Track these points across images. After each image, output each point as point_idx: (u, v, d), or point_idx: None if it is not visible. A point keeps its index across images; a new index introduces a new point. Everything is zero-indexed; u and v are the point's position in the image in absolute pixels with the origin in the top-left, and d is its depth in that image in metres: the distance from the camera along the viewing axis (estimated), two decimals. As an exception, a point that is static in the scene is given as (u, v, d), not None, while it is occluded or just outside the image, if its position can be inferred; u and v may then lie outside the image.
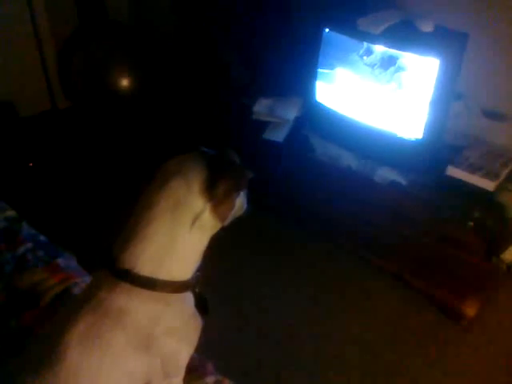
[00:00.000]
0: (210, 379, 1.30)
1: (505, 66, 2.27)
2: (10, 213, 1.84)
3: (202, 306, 1.08)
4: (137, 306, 0.97)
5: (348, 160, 2.35)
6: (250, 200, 1.13)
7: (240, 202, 1.09)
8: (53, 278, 1.54)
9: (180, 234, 0.99)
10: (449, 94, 2.07)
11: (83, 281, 1.55)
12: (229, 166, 1.02)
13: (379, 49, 2.09)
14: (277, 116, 2.50)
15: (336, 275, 2.47)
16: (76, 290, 1.50)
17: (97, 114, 3.55)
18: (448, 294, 2.23)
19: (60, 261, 1.63)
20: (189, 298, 1.05)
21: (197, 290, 1.07)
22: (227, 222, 1.05)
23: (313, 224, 2.59)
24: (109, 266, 0.99)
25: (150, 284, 0.97)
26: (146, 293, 0.97)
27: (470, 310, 2.20)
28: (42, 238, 1.74)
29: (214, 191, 0.99)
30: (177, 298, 1.01)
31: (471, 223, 2.04)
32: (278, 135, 2.47)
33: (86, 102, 3.55)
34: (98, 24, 3.56)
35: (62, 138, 3.40)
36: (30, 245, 1.68)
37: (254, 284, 2.39)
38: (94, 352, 0.95)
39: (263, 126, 2.53)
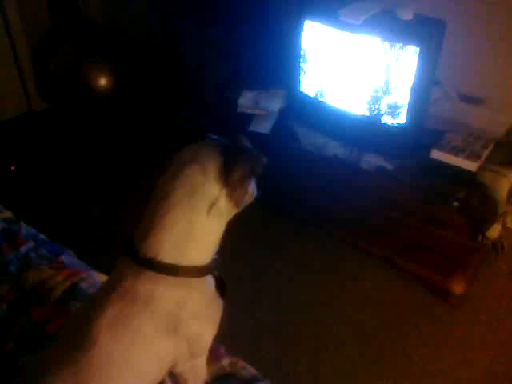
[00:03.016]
0: (226, 361, 1.35)
1: (480, 52, 2.37)
2: (7, 214, 1.84)
3: (221, 288, 1.11)
4: (162, 292, 1.00)
5: (334, 148, 2.41)
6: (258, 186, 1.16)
7: (251, 189, 1.12)
8: (59, 275, 1.55)
9: (198, 221, 1.02)
10: (429, 81, 2.15)
11: (90, 275, 1.57)
12: (243, 152, 1.05)
13: (361, 38, 2.15)
14: (262, 108, 2.54)
15: (327, 261, 2.53)
16: (84, 285, 1.53)
17: (75, 114, 3.53)
18: (436, 274, 2.32)
19: (64, 257, 1.65)
20: (209, 281, 1.09)
21: (216, 274, 1.11)
22: (241, 207, 1.08)
23: (301, 213, 2.64)
24: (132, 255, 1.02)
25: (173, 270, 1.00)
26: (169, 279, 1.00)
27: (458, 287, 2.28)
28: (42, 236, 1.75)
29: (230, 177, 1.01)
30: (199, 282, 1.05)
31: (456, 203, 2.12)
32: (264, 127, 2.51)
33: (63, 102, 3.53)
34: (72, 24, 3.53)
35: (42, 140, 3.38)
36: (31, 244, 1.69)
37: (246, 273, 2.42)
38: (125, 337, 0.98)
39: (249, 118, 2.57)
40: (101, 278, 1.58)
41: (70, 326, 1.06)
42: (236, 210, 1.07)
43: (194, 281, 1.03)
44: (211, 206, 1.01)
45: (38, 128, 3.51)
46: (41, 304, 1.46)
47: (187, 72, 3.06)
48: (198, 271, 1.04)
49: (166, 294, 1.00)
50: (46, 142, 3.36)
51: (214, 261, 1.09)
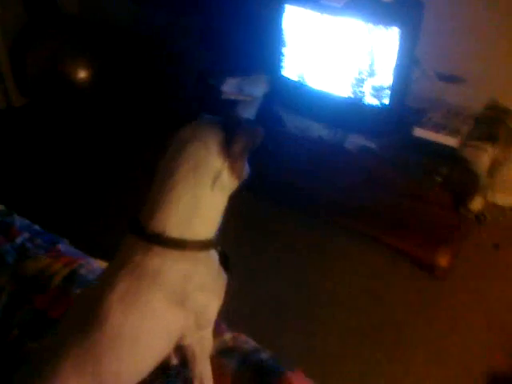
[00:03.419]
0: (228, 336, 1.39)
1: (456, 32, 2.44)
2: (-1, 207, 1.85)
3: (224, 263, 1.15)
4: (170, 266, 1.03)
5: (319, 130, 2.45)
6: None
7: (246, 165, 1.16)
8: (58, 263, 1.58)
9: (203, 195, 1.05)
10: (410, 61, 2.20)
11: (88, 262, 1.59)
12: (242, 125, 1.09)
13: (342, 21, 2.19)
14: (246, 94, 2.57)
15: (315, 242, 2.58)
16: (83, 271, 1.55)
17: (56, 109, 3.52)
18: (421, 249, 2.39)
19: (60, 246, 1.66)
20: (214, 255, 1.12)
21: (219, 248, 1.14)
22: (241, 180, 1.11)
23: (289, 196, 2.68)
24: (139, 232, 1.05)
25: (180, 245, 1.04)
26: (177, 253, 1.04)
27: (443, 260, 2.36)
28: (36, 227, 1.77)
29: (232, 150, 1.05)
30: (205, 256, 1.08)
31: (439, 179, 2.19)
32: (249, 112, 2.54)
33: (43, 97, 3.51)
34: (48, 18, 3.50)
35: (23, 135, 3.36)
36: (26, 234, 1.70)
37: (236, 256, 2.44)
38: (135, 310, 1.01)
39: (233, 104, 2.59)
40: (99, 264, 1.61)
41: (79, 304, 1.09)
42: (237, 182, 1.10)
43: (200, 255, 1.07)
44: (215, 180, 1.04)
45: (18, 123, 3.48)
46: (42, 292, 1.48)
47: (169, 61, 3.06)
48: (204, 245, 1.07)
49: (173, 267, 1.03)
50: (28, 137, 3.34)
51: (217, 236, 1.12)
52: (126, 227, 1.09)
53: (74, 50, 3.43)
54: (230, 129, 1.06)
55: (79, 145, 3.27)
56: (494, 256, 2.50)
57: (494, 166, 2.31)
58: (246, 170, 1.15)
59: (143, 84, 3.39)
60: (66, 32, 3.44)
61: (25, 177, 2.99)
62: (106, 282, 1.04)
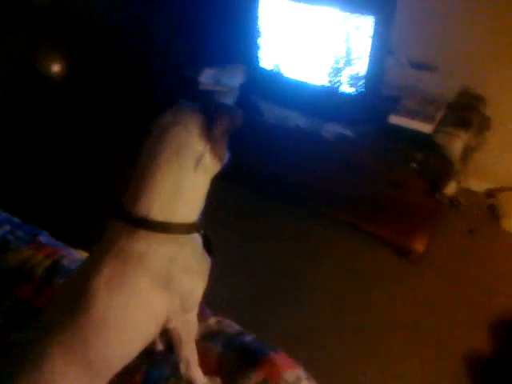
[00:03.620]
0: (212, 320, 1.41)
1: (428, 21, 2.49)
2: (-23, 200, 1.83)
3: (207, 246, 1.17)
4: (155, 249, 1.04)
5: (296, 120, 2.47)
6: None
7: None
8: (39, 254, 1.57)
9: (186, 178, 1.06)
10: (385, 49, 2.23)
11: (69, 253, 1.60)
12: (221, 108, 1.10)
13: (317, 10, 2.21)
14: (223, 84, 2.57)
15: (296, 231, 2.61)
16: (65, 262, 1.55)
17: (30, 103, 3.47)
18: (398, 234, 2.45)
19: (41, 238, 1.66)
20: (198, 239, 1.14)
21: (202, 232, 1.16)
22: (223, 162, 1.13)
23: (269, 186, 2.71)
24: (124, 216, 1.06)
25: (165, 228, 1.05)
26: (162, 236, 1.05)
27: (419, 245, 2.42)
28: (16, 219, 1.76)
29: (212, 132, 1.07)
30: (189, 239, 1.10)
31: (415, 165, 2.23)
32: (227, 103, 2.55)
33: (16, 92, 3.46)
34: (19, 11, 3.45)
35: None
36: (7, 227, 1.70)
37: (219, 246, 2.47)
38: (121, 293, 1.03)
39: (211, 95, 2.60)
40: (81, 254, 1.61)
41: (65, 290, 1.10)
42: (219, 165, 1.12)
43: (185, 238, 1.09)
44: (197, 162, 1.06)
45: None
46: (25, 282, 1.48)
47: (145, 53, 3.05)
48: (188, 228, 1.09)
49: (158, 250, 1.05)
50: (2, 131, 3.29)
51: (200, 219, 1.14)
52: (105, 217, 1.10)
53: (47, 43, 3.38)
54: (210, 112, 1.07)
55: (55, 139, 3.24)
56: (468, 240, 2.56)
57: (467, 152, 2.37)
58: (226, 153, 1.16)
59: (119, 77, 3.36)
60: (37, 25, 3.39)
61: (1, 171, 2.95)
62: (91, 267, 1.04)
